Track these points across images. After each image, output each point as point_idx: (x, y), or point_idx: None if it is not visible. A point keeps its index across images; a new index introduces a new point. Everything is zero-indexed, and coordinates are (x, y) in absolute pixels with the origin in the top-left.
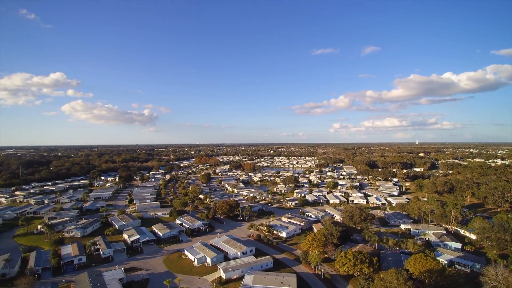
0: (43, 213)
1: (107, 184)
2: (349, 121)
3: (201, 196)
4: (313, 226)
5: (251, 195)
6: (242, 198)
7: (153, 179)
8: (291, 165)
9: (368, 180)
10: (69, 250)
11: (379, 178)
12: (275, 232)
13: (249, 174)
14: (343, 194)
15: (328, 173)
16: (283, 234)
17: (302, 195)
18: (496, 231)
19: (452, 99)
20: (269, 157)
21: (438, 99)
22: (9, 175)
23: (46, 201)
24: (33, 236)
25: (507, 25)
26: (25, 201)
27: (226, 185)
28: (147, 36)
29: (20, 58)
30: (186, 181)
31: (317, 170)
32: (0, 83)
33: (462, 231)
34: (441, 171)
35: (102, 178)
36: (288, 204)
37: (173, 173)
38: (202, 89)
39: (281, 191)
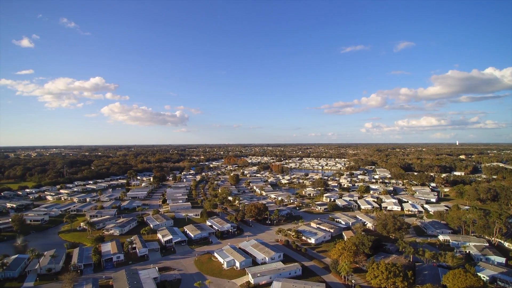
0: (85, 211)
1: (143, 184)
2: (382, 120)
3: (230, 198)
4: (343, 233)
5: (279, 198)
6: (270, 201)
7: (184, 180)
8: (320, 167)
9: (403, 185)
10: (108, 247)
11: (415, 182)
12: (303, 238)
13: (277, 176)
14: (375, 200)
15: (360, 177)
16: (312, 241)
17: (332, 199)
18: None
19: (496, 96)
20: (297, 158)
21: (480, 96)
22: (55, 174)
23: (88, 200)
24: (76, 233)
25: None
26: (69, 199)
27: (255, 187)
28: (177, 40)
29: (62, 64)
30: (215, 182)
31: (348, 173)
32: (45, 88)
33: (507, 244)
34: (484, 176)
35: (138, 177)
36: (317, 209)
37: (203, 173)
38: (231, 90)
39: (309, 194)
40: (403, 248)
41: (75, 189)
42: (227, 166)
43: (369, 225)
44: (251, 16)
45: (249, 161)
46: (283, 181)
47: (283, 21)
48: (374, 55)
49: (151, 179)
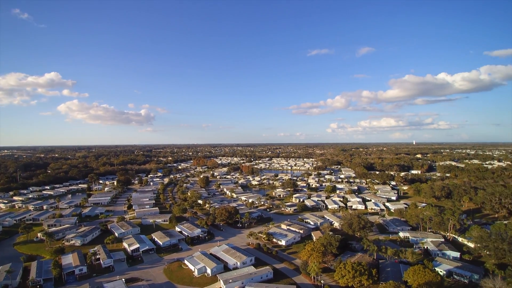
0: (43, 220)
1: (106, 189)
2: (346, 121)
3: (200, 202)
4: (312, 234)
5: (250, 200)
6: (241, 203)
7: (151, 183)
8: (289, 167)
9: (366, 184)
10: (69, 259)
11: (377, 181)
12: (274, 240)
13: (248, 177)
14: (341, 199)
15: (327, 176)
16: (283, 243)
17: (301, 200)
18: (494, 240)
19: (448, 99)
20: (267, 159)
21: (433, 99)
22: (7, 179)
23: (45, 207)
24: (33, 244)
25: (499, 26)
26: (23, 206)
27: (225, 189)
28: (142, 35)
29: (14, 58)
30: (184, 185)
31: (316, 173)
32: None
33: (460, 239)
34: (439, 174)
35: (100, 181)
36: (287, 210)
37: (172, 176)
38: (199, 89)
39: (279, 195)
40: (368, 247)
41: (30, 196)
42: (196, 168)
43: (336, 224)
44: (220, 16)
45: (219, 162)
46: (254, 182)
47: (253, 22)
48: (338, 58)
49: (115, 183)
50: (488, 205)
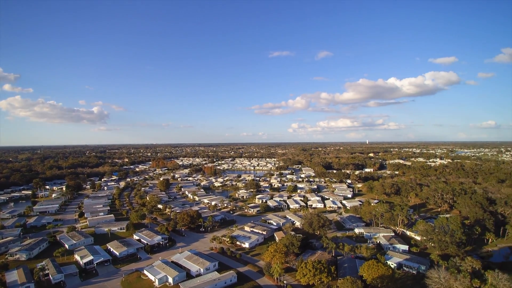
0: None
1: (53, 195)
2: (306, 121)
3: (160, 206)
4: (275, 235)
5: (213, 203)
6: (204, 206)
7: (105, 188)
8: (252, 168)
9: (325, 182)
10: (14, 276)
11: (335, 180)
12: (238, 243)
13: (210, 178)
14: (302, 199)
15: (288, 176)
16: (246, 245)
17: (264, 200)
18: (437, 234)
19: (397, 102)
20: (230, 159)
21: (384, 102)
22: None
23: None
24: None
25: (442, 36)
26: None
27: (187, 192)
28: (94, 25)
29: None
30: (143, 188)
31: (278, 172)
32: None
33: (408, 233)
34: (389, 172)
35: (47, 187)
36: (250, 211)
37: (128, 179)
38: (159, 87)
39: (243, 197)
40: (327, 244)
41: None
42: (155, 170)
43: (298, 224)
44: (181, 14)
45: (180, 163)
46: (216, 184)
47: (215, 20)
48: (298, 61)
49: (64, 189)
50: (432, 200)
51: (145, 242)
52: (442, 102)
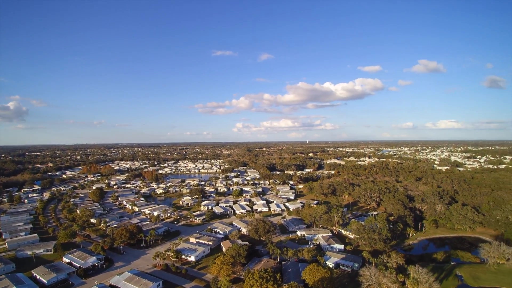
0: None
1: None
2: (251, 121)
3: (93, 221)
4: (221, 244)
5: (155, 213)
6: (145, 217)
7: (26, 200)
8: (197, 171)
9: (269, 185)
10: None
11: (278, 181)
12: (183, 257)
13: (151, 185)
14: (248, 203)
15: (234, 179)
16: (192, 258)
17: (210, 207)
18: (367, 232)
19: (332, 104)
20: (173, 162)
21: (321, 104)
22: None
23: None
24: None
25: (368, 46)
26: None
27: (124, 202)
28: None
29: None
30: (72, 200)
31: (223, 176)
32: None
33: (344, 232)
34: (326, 172)
35: None
36: (195, 220)
37: (54, 189)
38: (90, 81)
39: (187, 204)
40: (272, 251)
41: None
42: (86, 176)
43: (244, 230)
44: (123, 8)
45: (116, 167)
46: (158, 191)
47: (155, 17)
48: (242, 61)
49: None
50: (362, 199)
51: (78, 265)
52: (369, 106)
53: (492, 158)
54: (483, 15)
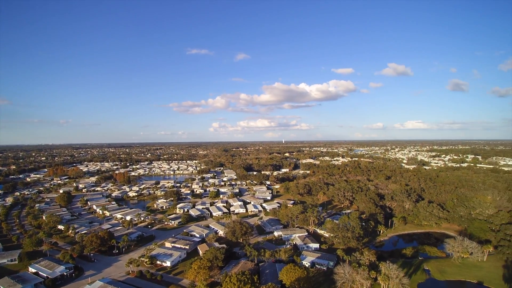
0: None
1: None
2: (227, 121)
3: (61, 227)
4: (198, 248)
5: (128, 217)
6: (117, 222)
7: None
8: (171, 172)
9: (246, 185)
10: None
11: (255, 182)
12: (158, 262)
13: (123, 187)
14: (225, 205)
15: (210, 180)
16: (168, 264)
17: (185, 210)
18: (341, 230)
19: (307, 105)
20: (146, 163)
21: (296, 104)
22: None
23: None
24: None
25: (341, 49)
26: None
27: (94, 207)
28: None
29: None
30: (37, 205)
31: (199, 177)
32: None
33: (319, 231)
34: (301, 172)
35: None
36: (171, 224)
37: (17, 193)
38: (56, 78)
39: (162, 207)
40: (249, 253)
41: None
42: (52, 180)
43: (221, 233)
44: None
45: (85, 169)
46: (131, 194)
47: (126, 13)
48: (218, 61)
49: None
50: (336, 198)
51: (45, 275)
52: (342, 106)
53: (456, 157)
54: (447, 22)
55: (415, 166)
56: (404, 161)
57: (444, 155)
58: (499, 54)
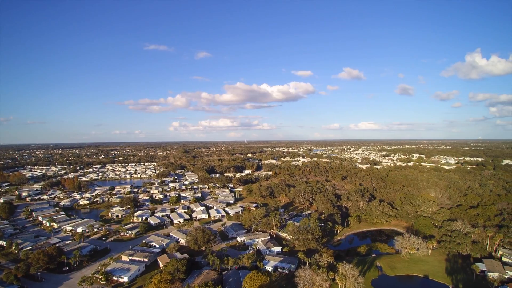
0: None
1: None
2: (188, 120)
3: (2, 243)
4: (158, 260)
5: (79, 229)
6: (66, 235)
7: None
8: (128, 176)
9: (208, 189)
10: None
11: (218, 185)
12: (114, 278)
13: (73, 195)
14: (186, 210)
15: (171, 184)
16: (125, 279)
17: (144, 218)
18: (302, 233)
19: (268, 105)
20: (99, 166)
21: (258, 105)
22: None
23: None
24: None
25: (300, 52)
26: None
27: (40, 218)
28: None
29: None
30: None
31: (159, 181)
32: None
33: (281, 234)
34: (264, 173)
35: None
36: (128, 234)
37: None
38: None
39: (118, 216)
40: (212, 262)
41: None
42: None
43: (182, 241)
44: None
45: (29, 174)
46: (82, 202)
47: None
48: (177, 58)
49: None
50: (297, 199)
51: None
52: (302, 107)
53: (403, 156)
54: (396, 31)
55: (368, 165)
56: (359, 161)
57: (393, 154)
58: (442, 62)
